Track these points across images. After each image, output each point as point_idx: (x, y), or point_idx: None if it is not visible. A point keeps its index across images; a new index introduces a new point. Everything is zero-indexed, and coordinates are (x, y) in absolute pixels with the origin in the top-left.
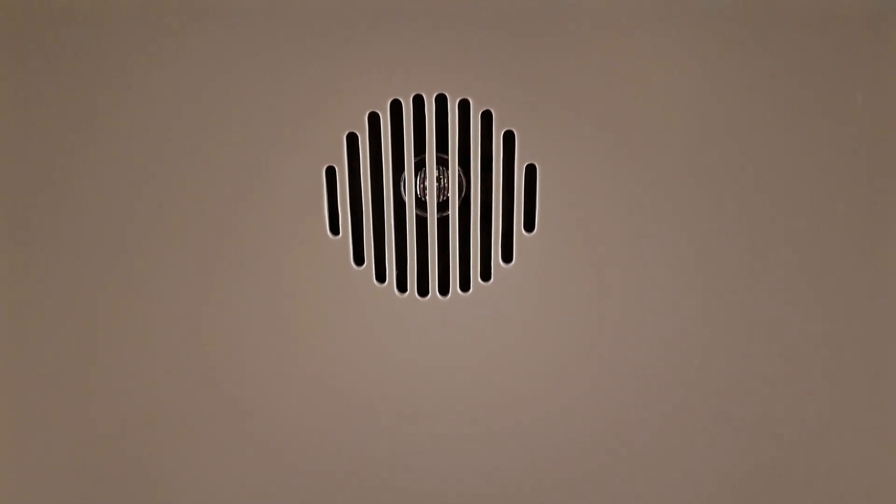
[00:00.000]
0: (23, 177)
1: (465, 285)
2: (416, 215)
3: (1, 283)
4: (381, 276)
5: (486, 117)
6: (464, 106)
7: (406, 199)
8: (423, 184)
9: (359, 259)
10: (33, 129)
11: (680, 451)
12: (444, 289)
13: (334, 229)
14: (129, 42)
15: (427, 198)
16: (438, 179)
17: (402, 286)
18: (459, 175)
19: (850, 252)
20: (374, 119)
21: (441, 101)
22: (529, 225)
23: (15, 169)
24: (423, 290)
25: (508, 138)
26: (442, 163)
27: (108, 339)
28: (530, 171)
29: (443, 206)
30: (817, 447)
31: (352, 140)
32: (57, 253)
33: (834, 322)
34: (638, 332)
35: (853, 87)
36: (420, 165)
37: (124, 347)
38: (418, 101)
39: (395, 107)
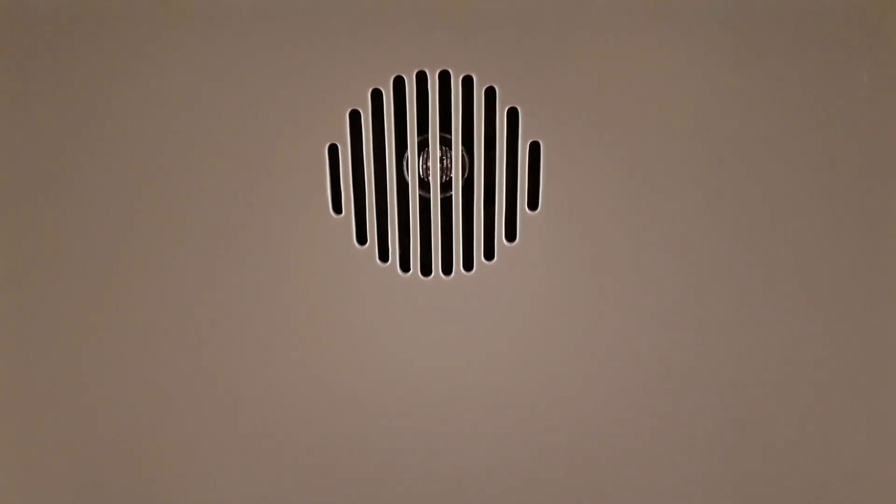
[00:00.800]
0: (23, 176)
1: (468, 264)
2: (420, 195)
3: (1, 284)
4: (383, 256)
5: (490, 94)
6: (467, 82)
7: (409, 179)
8: (426, 164)
9: (361, 238)
10: (33, 128)
11: (679, 433)
12: (447, 268)
13: (337, 208)
14: (132, 18)
15: (430, 178)
16: (441, 160)
17: (404, 265)
18: (462, 155)
19: (850, 253)
20: (376, 96)
21: (444, 77)
22: (533, 203)
23: (16, 169)
24: (426, 269)
25: (512, 115)
26: (445, 142)
27: (108, 319)
28: (534, 148)
29: (446, 186)
30: (817, 448)
31: (354, 117)
32: (56, 246)
33: (834, 323)
34: (641, 310)
35: (853, 88)
36: (423, 145)
37: (126, 324)
38: (421, 78)
39: (398, 83)
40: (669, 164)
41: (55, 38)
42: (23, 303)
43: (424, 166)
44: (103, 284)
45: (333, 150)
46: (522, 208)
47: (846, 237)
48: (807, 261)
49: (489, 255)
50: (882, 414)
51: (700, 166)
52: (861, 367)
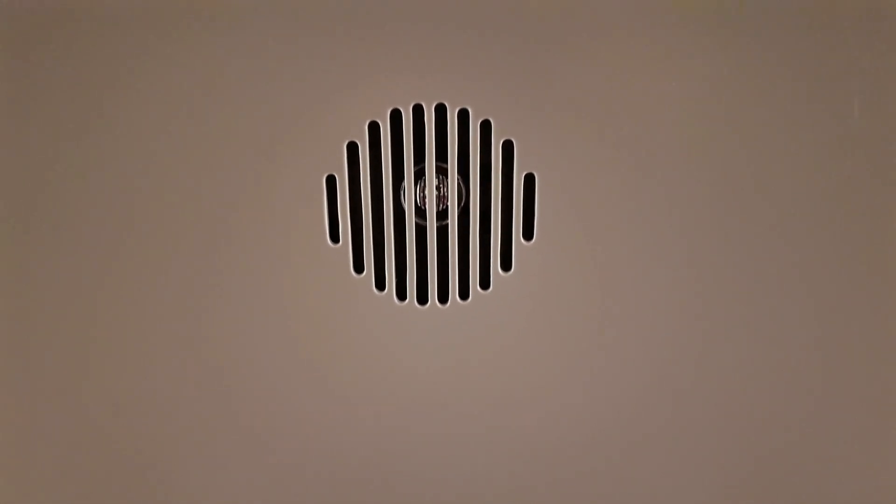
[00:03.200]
0: (22, 177)
1: (464, 293)
2: (416, 224)
3: (2, 285)
4: (380, 284)
5: (486, 127)
6: (463, 115)
7: (406, 208)
8: (423, 192)
9: (358, 267)
10: (33, 129)
11: (674, 462)
12: (443, 297)
13: (334, 237)
14: (132, 49)
15: (427, 206)
16: (438, 188)
17: (401, 294)
18: (459, 184)
19: (856, 257)
20: (374, 128)
21: (441, 110)
22: (528, 233)
23: (15, 169)
24: (422, 298)
25: (507, 147)
26: (441, 172)
27: (111, 349)
28: (529, 180)
29: (442, 214)
30: (818, 453)
31: (352, 149)
32: (58, 247)
33: (836, 328)
34: (637, 340)
35: (854, 88)
36: (420, 174)
37: (125, 356)
38: (418, 111)
39: (395, 116)
40: (664, 196)
41: (57, 40)
42: (22, 303)
43: (421, 195)
44: (104, 294)
45: (331, 181)
46: (518, 238)
47: (847, 239)
48: (809, 269)
49: (485, 284)
50: (883, 419)
51: (696, 197)
52: (863, 366)
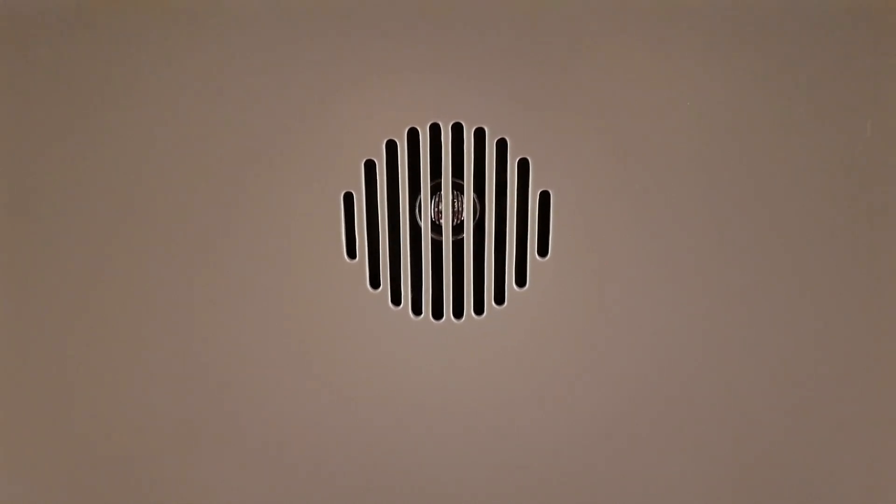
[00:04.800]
0: (21, 177)
1: (479, 309)
2: (431, 239)
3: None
4: (396, 300)
5: (502, 145)
6: (479, 134)
7: (421, 223)
8: (439, 207)
9: (375, 282)
10: (32, 129)
11: (686, 474)
12: (458, 312)
13: (351, 253)
14: (146, 59)
15: (442, 221)
16: (453, 203)
17: (416, 309)
18: (474, 199)
19: (854, 255)
20: (391, 146)
21: (457, 129)
22: (543, 250)
23: (14, 169)
24: (437, 313)
25: (523, 165)
26: (457, 187)
27: (115, 365)
28: (544, 197)
29: (457, 229)
30: (817, 452)
31: (369, 167)
32: (60, 249)
33: (835, 326)
34: (651, 356)
35: (855, 89)
36: (435, 189)
37: (131, 369)
38: (435, 130)
39: (413, 135)
40: (677, 213)
41: (60, 41)
42: (21, 303)
43: (437, 210)
44: (117, 315)
45: (349, 198)
46: (532, 255)
47: (847, 241)
48: (810, 268)
49: (500, 299)
50: (884, 419)
51: (709, 214)
52: (864, 367)
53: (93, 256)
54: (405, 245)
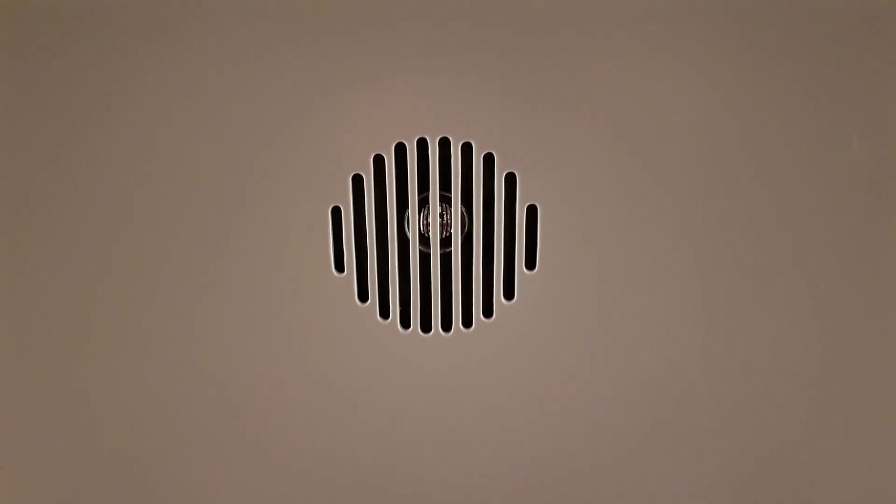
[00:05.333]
0: (20, 177)
1: (467, 322)
2: (420, 251)
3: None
4: (384, 313)
5: (489, 160)
6: (466, 149)
7: (409, 236)
8: (427, 220)
9: (363, 296)
10: (31, 130)
11: (680, 484)
12: (446, 325)
13: (339, 267)
14: (140, 66)
15: (430, 233)
16: (441, 215)
17: (405, 322)
18: (462, 212)
19: (856, 258)
20: (379, 161)
21: (444, 143)
22: (531, 263)
23: (13, 170)
24: (425, 326)
25: (510, 179)
26: (445, 200)
27: (117, 377)
28: (531, 211)
29: (445, 242)
30: (818, 454)
31: (357, 181)
32: (63, 250)
33: (838, 329)
34: (637, 368)
35: (856, 89)
36: (423, 202)
37: (132, 377)
38: (422, 144)
39: (400, 149)
40: (663, 228)
41: (55, 39)
42: (20, 303)
43: (425, 222)
44: (113, 341)
45: (336, 212)
46: (520, 268)
47: (850, 243)
48: (811, 272)
49: (488, 312)
50: (884, 420)
51: (695, 229)
52: (866, 375)
53: (90, 263)
54: (393, 258)
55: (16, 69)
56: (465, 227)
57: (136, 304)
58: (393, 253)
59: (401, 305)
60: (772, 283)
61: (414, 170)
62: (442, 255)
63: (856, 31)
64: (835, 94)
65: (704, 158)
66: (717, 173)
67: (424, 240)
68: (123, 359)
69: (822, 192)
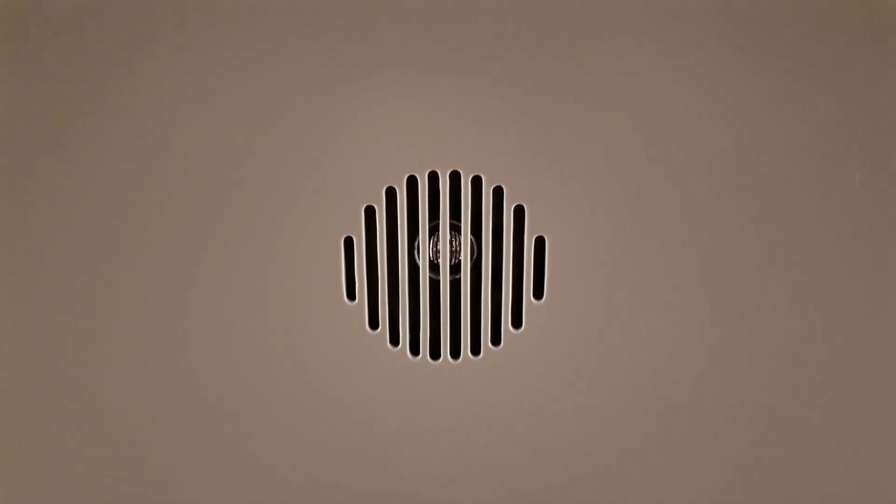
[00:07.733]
0: (19, 177)
1: (475, 349)
2: (430, 278)
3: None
4: (395, 340)
5: (498, 193)
6: (476, 182)
7: (420, 264)
8: (436, 247)
9: (374, 323)
10: (30, 130)
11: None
12: (455, 353)
13: (351, 295)
14: (158, 91)
15: (440, 260)
16: (451, 243)
17: (414, 350)
18: (471, 240)
19: (860, 258)
20: (391, 193)
21: (455, 177)
22: (538, 293)
23: (12, 170)
24: (435, 353)
25: (519, 212)
26: (455, 229)
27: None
28: (539, 242)
29: (455, 269)
30: (824, 450)
31: (369, 212)
32: (64, 250)
33: (842, 328)
34: (645, 398)
35: (857, 89)
36: (434, 230)
37: (138, 388)
38: (433, 177)
39: (412, 182)
40: (667, 259)
41: (55, 39)
42: (19, 303)
43: (434, 249)
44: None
45: (349, 242)
46: (528, 298)
47: (854, 246)
48: (815, 276)
49: (496, 341)
50: (885, 414)
51: (698, 259)
52: (865, 369)
53: (88, 273)
54: (403, 287)
55: (16, 69)
56: (474, 254)
57: (152, 328)
58: (403, 282)
59: (410, 333)
60: (781, 302)
61: (425, 202)
62: (451, 282)
63: (858, 32)
64: (837, 94)
65: (715, 196)
66: (729, 208)
67: (434, 267)
68: (123, 366)
69: (827, 198)
